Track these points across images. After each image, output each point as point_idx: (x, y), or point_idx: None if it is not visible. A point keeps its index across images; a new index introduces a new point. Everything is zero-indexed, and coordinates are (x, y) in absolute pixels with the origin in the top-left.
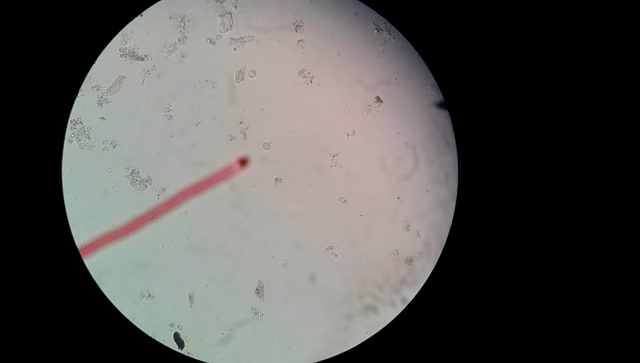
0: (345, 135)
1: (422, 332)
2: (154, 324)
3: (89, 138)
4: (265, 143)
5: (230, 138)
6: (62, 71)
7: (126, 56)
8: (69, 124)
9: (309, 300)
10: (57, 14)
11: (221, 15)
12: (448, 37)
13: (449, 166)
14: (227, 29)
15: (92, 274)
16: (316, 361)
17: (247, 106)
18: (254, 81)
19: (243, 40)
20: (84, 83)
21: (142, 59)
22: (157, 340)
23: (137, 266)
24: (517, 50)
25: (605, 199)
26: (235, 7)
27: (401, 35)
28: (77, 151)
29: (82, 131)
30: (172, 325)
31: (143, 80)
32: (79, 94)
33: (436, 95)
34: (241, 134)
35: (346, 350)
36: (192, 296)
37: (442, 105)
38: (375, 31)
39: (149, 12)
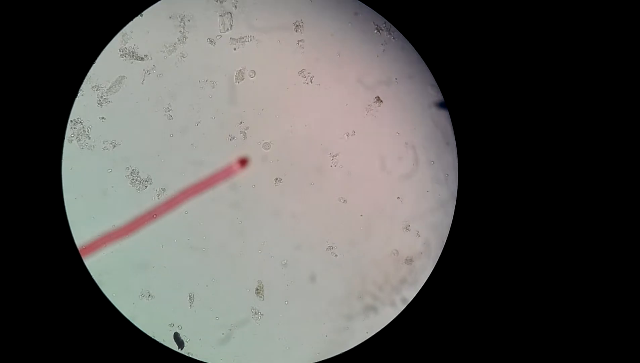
0: (345, 135)
1: (422, 332)
2: (154, 324)
3: (89, 138)
4: (265, 142)
5: (230, 137)
6: (62, 70)
7: (126, 55)
8: (69, 124)
9: (309, 300)
10: (57, 14)
11: (221, 15)
12: (448, 37)
13: (449, 166)
14: (227, 29)
15: (92, 274)
16: (316, 361)
17: (247, 106)
18: (254, 81)
19: (243, 40)
20: (84, 83)
21: (142, 59)
22: (157, 340)
23: (137, 266)
24: (517, 50)
25: (605, 199)
26: (235, 7)
27: (401, 35)
28: (77, 151)
29: (82, 131)
30: (172, 325)
31: (143, 80)
32: (79, 94)
33: (436, 95)
34: (241, 134)
35: (346, 350)
36: (192, 296)
37: (442, 105)
38: (375, 31)
39: (149, 12)
